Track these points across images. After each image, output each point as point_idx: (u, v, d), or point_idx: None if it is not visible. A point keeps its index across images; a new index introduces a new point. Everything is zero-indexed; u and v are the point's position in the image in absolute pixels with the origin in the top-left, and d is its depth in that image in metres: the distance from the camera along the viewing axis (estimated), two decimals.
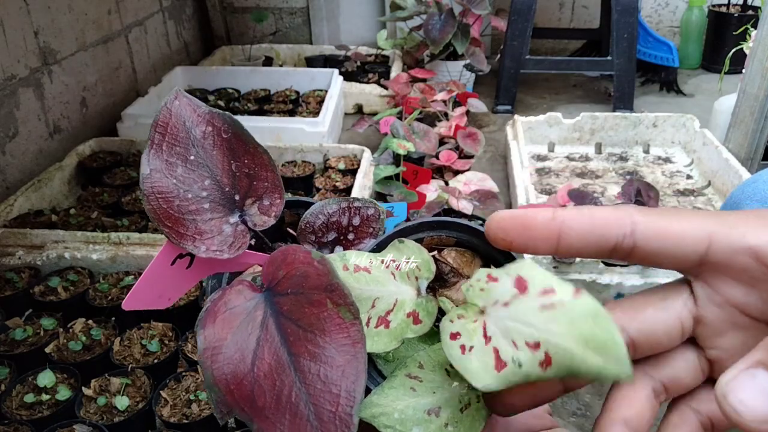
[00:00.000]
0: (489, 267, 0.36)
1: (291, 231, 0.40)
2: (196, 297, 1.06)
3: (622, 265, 1.12)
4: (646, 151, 1.75)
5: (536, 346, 0.28)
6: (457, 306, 0.35)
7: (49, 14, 1.52)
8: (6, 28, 1.36)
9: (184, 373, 0.91)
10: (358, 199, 0.40)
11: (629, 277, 1.12)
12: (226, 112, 0.36)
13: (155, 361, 0.95)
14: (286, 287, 0.30)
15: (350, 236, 0.40)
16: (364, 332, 0.33)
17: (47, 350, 0.95)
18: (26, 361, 0.94)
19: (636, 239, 0.29)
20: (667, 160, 1.71)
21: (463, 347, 0.30)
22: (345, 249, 0.39)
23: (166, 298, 0.36)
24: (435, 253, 0.37)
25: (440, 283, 0.37)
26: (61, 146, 1.56)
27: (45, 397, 0.87)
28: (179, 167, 0.35)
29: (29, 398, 0.87)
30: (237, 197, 0.36)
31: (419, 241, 0.37)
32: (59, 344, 0.97)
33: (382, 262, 0.36)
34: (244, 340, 0.29)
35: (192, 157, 0.35)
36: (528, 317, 0.29)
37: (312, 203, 0.40)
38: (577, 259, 1.12)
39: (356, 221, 0.40)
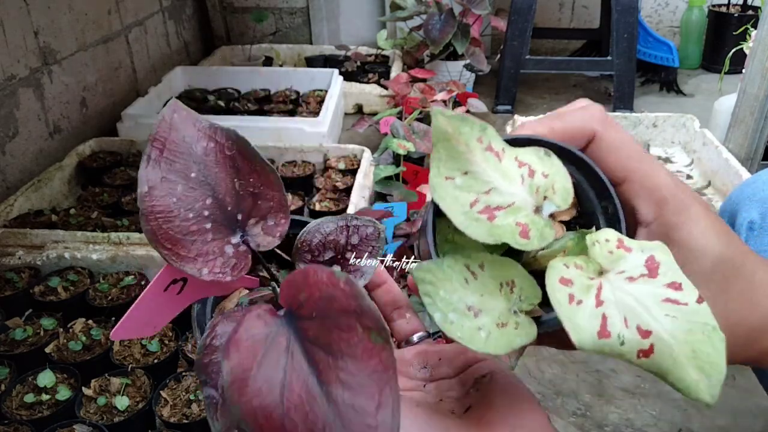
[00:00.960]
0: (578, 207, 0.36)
1: (279, 252, 0.38)
2: None
3: None
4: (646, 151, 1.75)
5: (647, 334, 0.28)
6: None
7: (49, 14, 1.52)
8: (6, 28, 1.36)
9: (184, 373, 0.91)
10: (356, 218, 0.39)
11: None
12: (231, 129, 0.34)
13: (155, 361, 0.95)
14: (309, 311, 0.29)
15: (348, 255, 0.38)
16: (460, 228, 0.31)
17: (47, 350, 0.95)
18: (26, 361, 0.93)
19: (592, 146, 0.37)
20: (667, 160, 1.71)
21: (571, 297, 0.29)
22: (342, 269, 0.38)
23: (152, 326, 0.35)
24: None
25: None
26: (61, 146, 1.56)
27: (45, 397, 0.87)
28: (180, 185, 0.33)
29: (29, 398, 0.87)
30: (239, 217, 0.34)
31: None
32: (59, 344, 0.97)
33: (517, 160, 0.34)
34: (271, 370, 0.27)
35: (193, 175, 0.33)
36: (648, 302, 0.29)
37: (307, 222, 0.39)
38: None
39: (355, 240, 0.39)
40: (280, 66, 2.35)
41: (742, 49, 1.65)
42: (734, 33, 2.17)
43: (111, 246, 1.15)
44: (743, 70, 1.52)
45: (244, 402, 0.26)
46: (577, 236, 0.34)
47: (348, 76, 2.10)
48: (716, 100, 1.78)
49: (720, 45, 2.38)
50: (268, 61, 2.32)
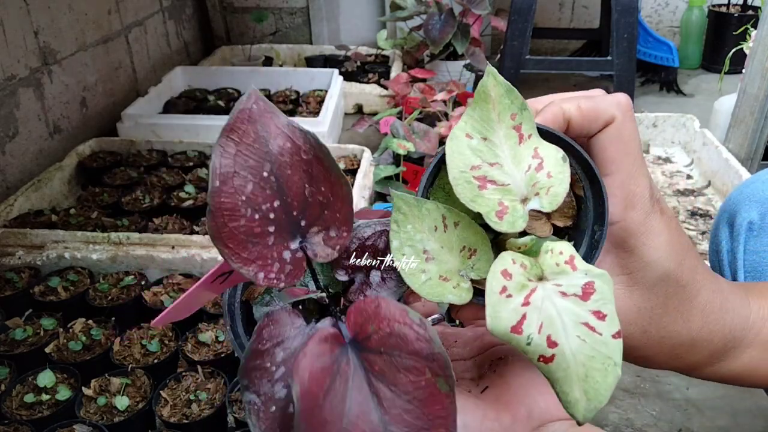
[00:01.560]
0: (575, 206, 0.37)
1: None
2: None
3: None
4: (646, 151, 1.75)
5: (553, 345, 0.30)
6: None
7: (49, 14, 1.52)
8: (6, 28, 1.36)
9: (184, 373, 0.91)
10: None
11: None
12: (311, 131, 0.33)
13: (155, 361, 0.95)
14: (377, 344, 0.28)
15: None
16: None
17: (47, 350, 0.95)
18: (26, 361, 0.93)
19: (597, 136, 0.36)
20: (667, 160, 1.71)
21: (504, 288, 0.31)
22: (381, 275, 0.38)
23: (188, 311, 0.36)
24: None
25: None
26: (61, 146, 1.56)
27: (45, 397, 0.87)
28: (250, 183, 0.31)
29: (29, 398, 0.87)
30: (303, 223, 0.33)
31: None
32: (59, 344, 0.97)
33: (535, 151, 0.34)
34: (337, 401, 0.27)
35: (265, 174, 0.31)
36: (568, 320, 0.31)
37: None
38: None
39: None
40: (280, 66, 2.35)
41: (742, 49, 1.65)
42: (734, 33, 2.17)
43: (111, 246, 1.15)
44: (743, 70, 1.52)
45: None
46: (536, 240, 0.35)
47: (348, 76, 2.10)
48: (716, 100, 1.78)
49: (720, 45, 2.38)
50: (268, 61, 2.32)
